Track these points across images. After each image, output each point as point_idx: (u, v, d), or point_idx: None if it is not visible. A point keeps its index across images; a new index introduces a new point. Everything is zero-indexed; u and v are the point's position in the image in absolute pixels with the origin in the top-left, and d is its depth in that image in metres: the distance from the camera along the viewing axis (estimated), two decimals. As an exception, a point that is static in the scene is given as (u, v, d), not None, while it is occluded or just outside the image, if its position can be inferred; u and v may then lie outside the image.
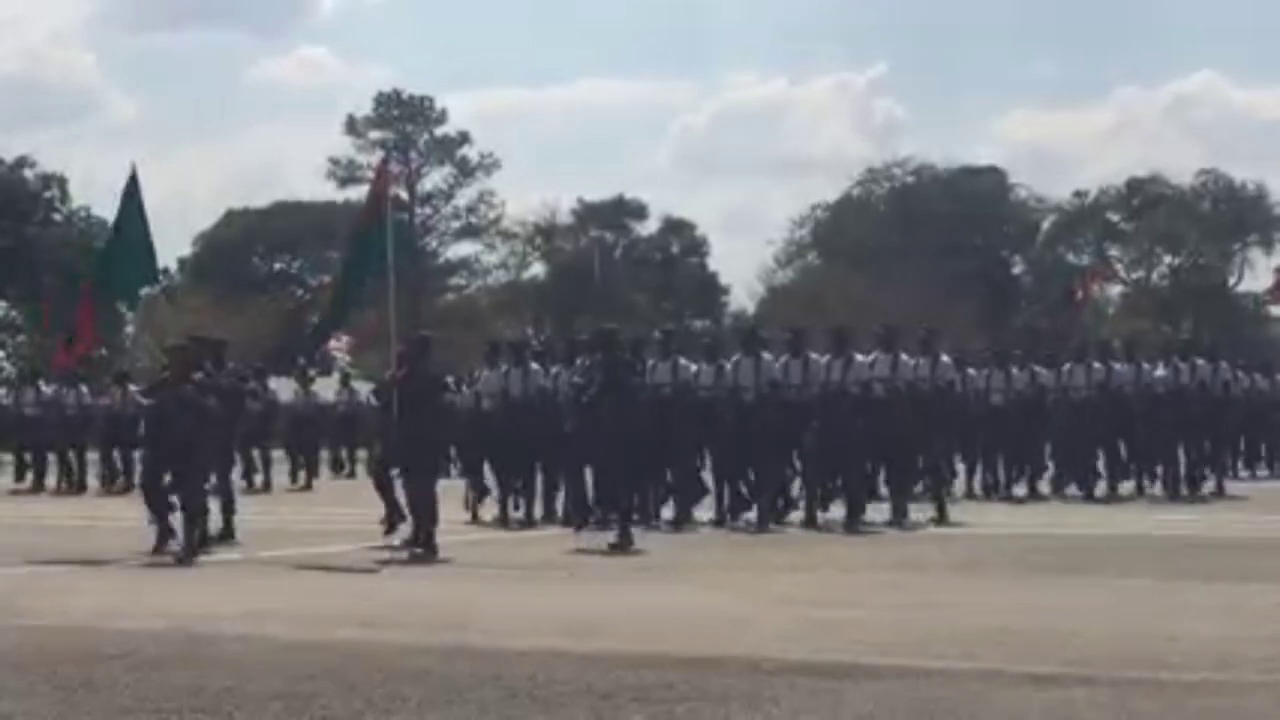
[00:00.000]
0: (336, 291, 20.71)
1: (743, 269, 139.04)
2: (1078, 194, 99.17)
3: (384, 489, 19.04)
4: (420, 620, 12.53)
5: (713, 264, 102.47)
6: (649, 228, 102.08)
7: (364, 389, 36.61)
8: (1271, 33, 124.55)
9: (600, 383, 19.38)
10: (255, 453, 32.79)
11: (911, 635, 11.19)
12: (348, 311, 21.38)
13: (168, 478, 18.50)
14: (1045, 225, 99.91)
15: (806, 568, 16.59)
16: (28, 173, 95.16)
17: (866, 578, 15.51)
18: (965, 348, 28.89)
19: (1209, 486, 26.87)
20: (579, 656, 10.39)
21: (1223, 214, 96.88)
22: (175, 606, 13.65)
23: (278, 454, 34.68)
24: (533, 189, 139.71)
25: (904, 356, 22.47)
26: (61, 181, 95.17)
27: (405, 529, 18.63)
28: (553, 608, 13.38)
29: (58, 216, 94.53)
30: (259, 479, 32.86)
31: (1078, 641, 10.86)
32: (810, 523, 21.33)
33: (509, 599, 14.20)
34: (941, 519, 21.74)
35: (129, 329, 72.30)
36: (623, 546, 18.45)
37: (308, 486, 34.44)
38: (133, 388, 24.65)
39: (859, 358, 21.84)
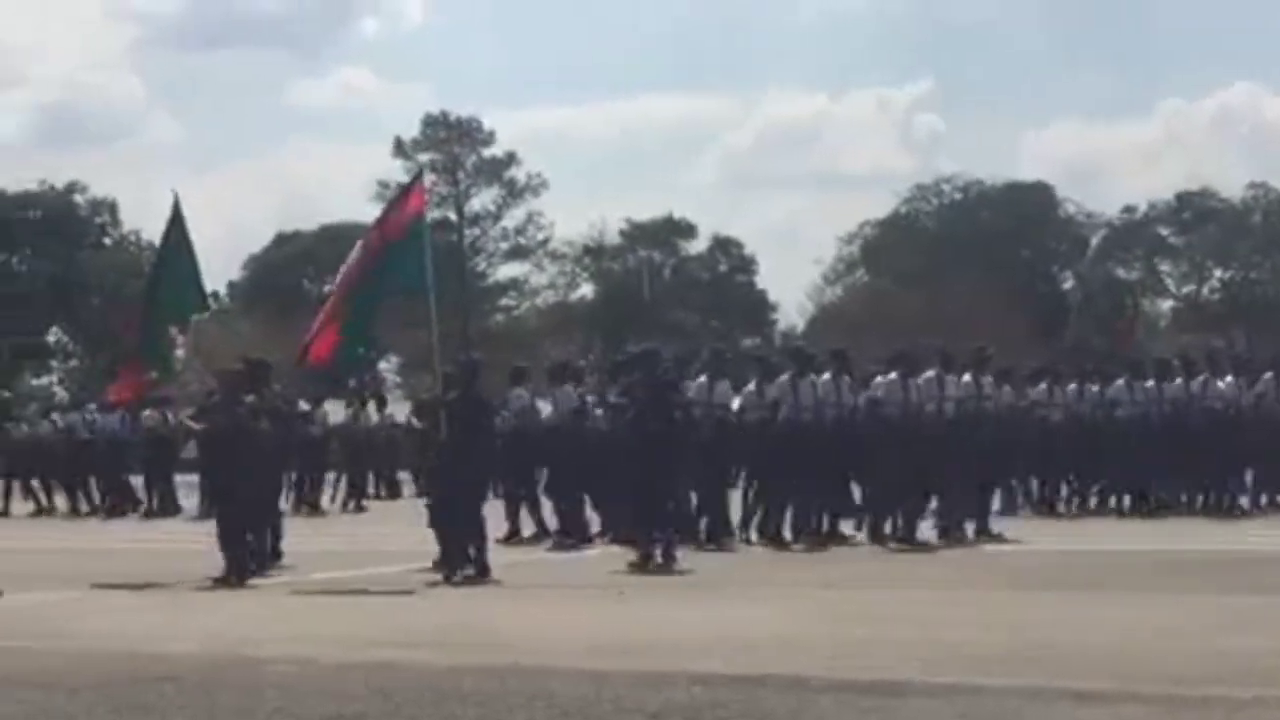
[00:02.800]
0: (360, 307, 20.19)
1: (789, 286, 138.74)
2: (1127, 209, 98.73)
3: (441, 527, 18.94)
4: (470, 641, 12.58)
5: (760, 282, 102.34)
6: (697, 246, 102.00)
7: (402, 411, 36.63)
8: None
9: (642, 403, 19.39)
10: (308, 475, 32.87)
11: (957, 652, 11.19)
12: (371, 327, 21.14)
13: (225, 500, 18.60)
14: (1094, 240, 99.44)
15: (853, 585, 16.60)
16: (78, 198, 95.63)
17: (912, 595, 15.52)
18: (1016, 365, 28.59)
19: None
20: (629, 675, 10.41)
21: (1274, 227, 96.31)
22: (226, 629, 13.73)
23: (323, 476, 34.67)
24: (580, 208, 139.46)
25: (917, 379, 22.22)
26: (112, 206, 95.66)
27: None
28: (602, 627, 13.41)
29: (108, 241, 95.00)
30: (310, 501, 32.96)
31: (1125, 658, 10.86)
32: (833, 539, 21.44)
33: (558, 619, 14.24)
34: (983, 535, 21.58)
35: (179, 353, 72.45)
36: (668, 565, 18.45)
37: (359, 508, 34.50)
38: (185, 412, 24.77)
39: (879, 379, 21.81)
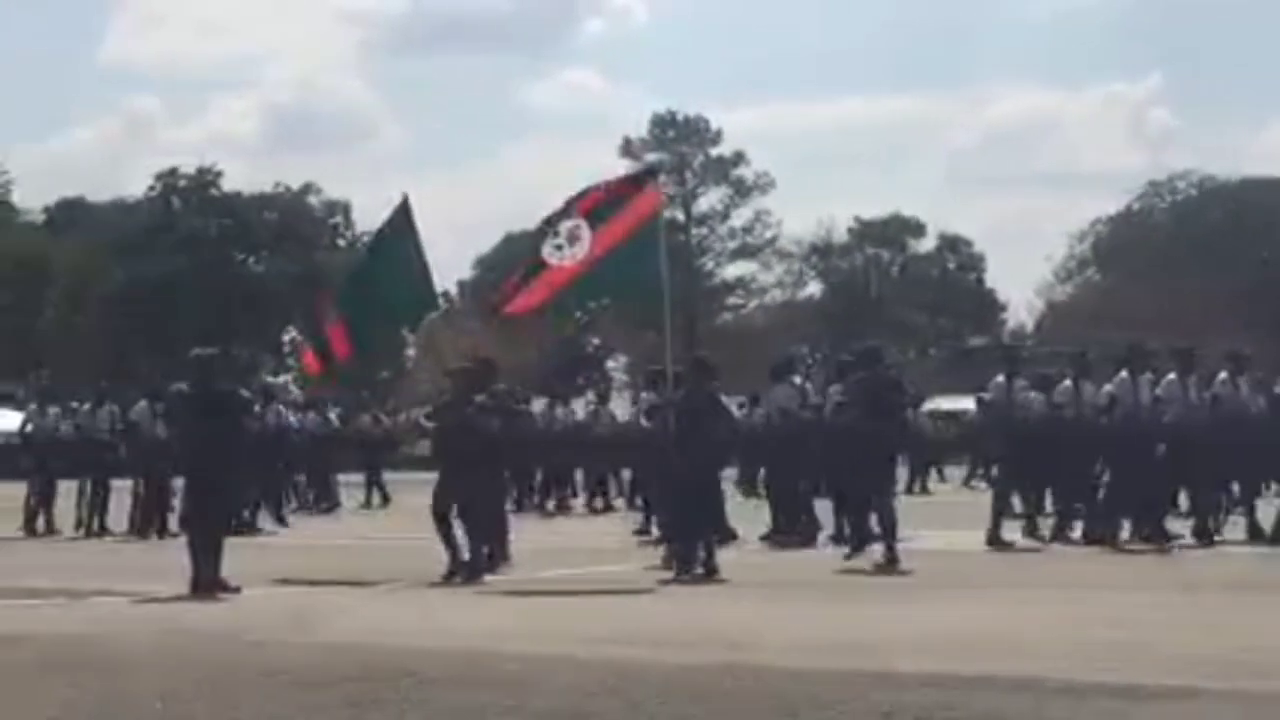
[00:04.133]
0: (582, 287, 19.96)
1: (1018, 284, 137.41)
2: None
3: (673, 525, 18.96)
4: (700, 639, 12.57)
5: (989, 280, 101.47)
6: (925, 245, 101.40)
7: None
8: None
9: (863, 402, 19.24)
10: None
11: (1195, 656, 10.97)
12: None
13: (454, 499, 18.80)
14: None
15: (1096, 586, 16.38)
16: (312, 199, 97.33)
17: (1147, 597, 15.24)
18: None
19: None
20: (860, 675, 10.34)
21: None
22: (459, 625, 13.87)
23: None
24: (807, 206, 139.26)
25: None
26: (345, 208, 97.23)
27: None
28: (831, 626, 13.36)
29: (342, 242, 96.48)
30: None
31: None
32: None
33: (789, 617, 14.18)
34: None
35: (410, 351, 73.57)
36: (891, 565, 18.28)
37: (607, 507, 34.26)
38: (418, 411, 24.90)
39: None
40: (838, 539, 21.45)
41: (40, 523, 27.73)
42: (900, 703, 9.41)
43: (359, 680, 10.54)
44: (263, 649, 12.35)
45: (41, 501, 27.97)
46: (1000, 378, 21.92)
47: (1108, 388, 21.22)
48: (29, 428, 29.38)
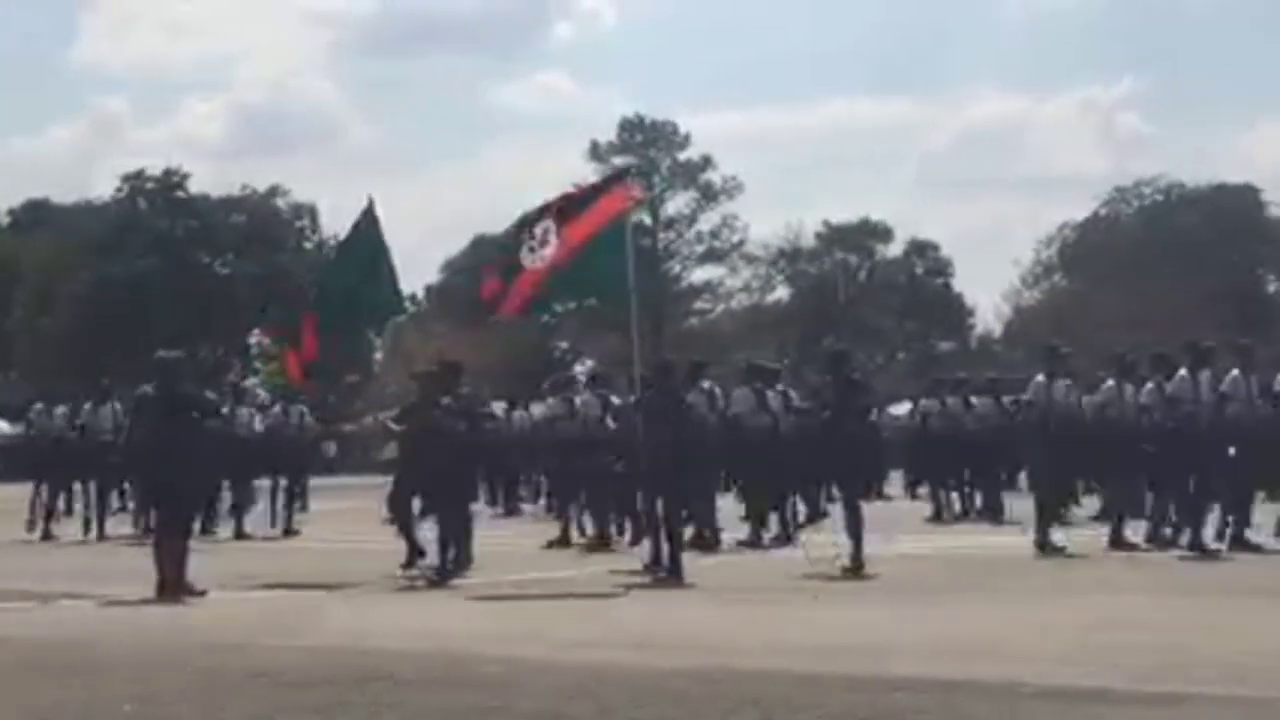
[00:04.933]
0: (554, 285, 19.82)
1: (986, 289, 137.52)
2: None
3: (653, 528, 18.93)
4: (677, 642, 12.57)
5: (957, 285, 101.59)
6: (894, 249, 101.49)
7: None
8: None
9: (834, 405, 19.17)
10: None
11: (1175, 660, 10.96)
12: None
13: (418, 500, 18.76)
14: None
15: (1080, 590, 16.40)
16: (279, 201, 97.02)
17: (1130, 600, 15.24)
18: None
19: None
20: (834, 679, 10.36)
21: None
22: (437, 628, 13.87)
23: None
24: (775, 211, 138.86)
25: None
26: (312, 210, 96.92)
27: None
28: (803, 630, 13.38)
29: (308, 245, 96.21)
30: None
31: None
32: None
33: (758, 621, 14.19)
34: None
35: (378, 355, 73.45)
36: (857, 569, 18.22)
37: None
38: (385, 414, 24.59)
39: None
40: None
41: (41, 527, 27.37)
42: (875, 706, 9.40)
43: (335, 683, 10.53)
44: (244, 652, 12.36)
45: (52, 501, 27.70)
46: (1040, 377, 21.57)
47: (1148, 386, 20.95)
48: (33, 430, 29.21)
